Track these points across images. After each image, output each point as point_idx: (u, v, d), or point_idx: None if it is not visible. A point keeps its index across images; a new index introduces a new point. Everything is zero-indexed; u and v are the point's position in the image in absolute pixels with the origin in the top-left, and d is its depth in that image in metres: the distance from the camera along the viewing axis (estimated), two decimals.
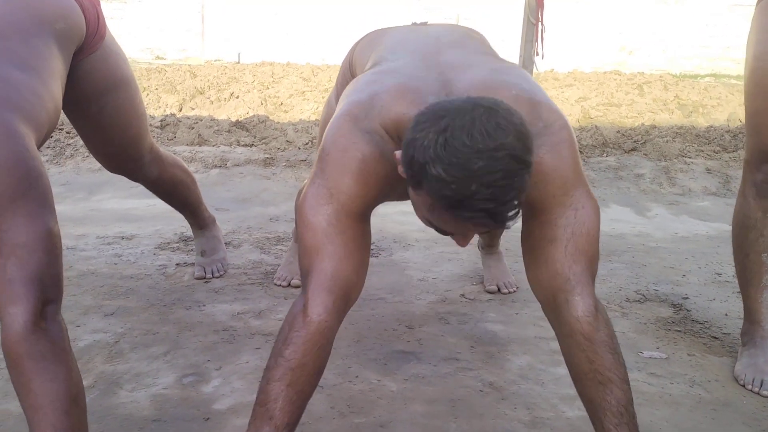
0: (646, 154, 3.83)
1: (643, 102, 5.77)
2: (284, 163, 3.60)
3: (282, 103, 5.25)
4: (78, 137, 3.43)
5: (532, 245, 1.19)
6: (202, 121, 4.21)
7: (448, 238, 1.17)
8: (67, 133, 3.77)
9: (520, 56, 2.82)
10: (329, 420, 1.45)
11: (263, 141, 3.89)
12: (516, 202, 0.97)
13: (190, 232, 2.56)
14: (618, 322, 1.97)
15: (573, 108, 5.38)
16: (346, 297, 1.16)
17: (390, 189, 1.20)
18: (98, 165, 3.56)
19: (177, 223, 2.72)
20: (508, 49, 6.56)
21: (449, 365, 1.70)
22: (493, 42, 1.65)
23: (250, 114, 4.61)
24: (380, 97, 1.17)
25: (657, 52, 11.15)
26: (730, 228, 2.91)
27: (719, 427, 1.47)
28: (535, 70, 3.59)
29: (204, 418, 1.44)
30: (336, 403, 1.51)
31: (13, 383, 1.10)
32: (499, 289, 2.16)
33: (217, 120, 4.31)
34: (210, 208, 2.36)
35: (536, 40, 2.87)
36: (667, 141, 3.95)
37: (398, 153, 1.05)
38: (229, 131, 4.04)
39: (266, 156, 3.65)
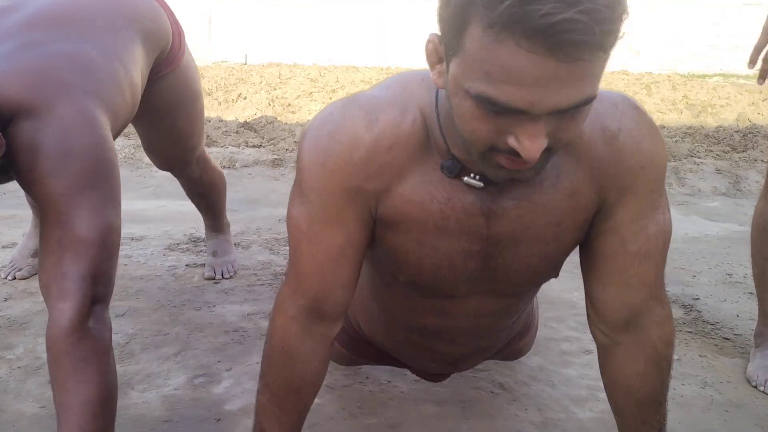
0: None
1: (652, 102, 5.76)
2: (292, 164, 3.60)
3: (290, 104, 5.27)
4: None
5: (615, 257, 0.98)
6: (210, 122, 4.22)
7: None
8: None
9: None
10: (340, 421, 1.45)
11: (271, 142, 3.90)
12: (612, 19, 0.70)
13: (199, 233, 2.57)
14: None
15: None
16: (319, 298, 1.01)
17: None
18: None
19: (186, 224, 2.73)
20: None
21: None
22: None
23: (258, 115, 4.62)
24: None
25: (665, 52, 11.12)
26: (740, 228, 2.92)
27: (732, 429, 1.46)
28: None
29: (215, 418, 1.44)
30: (347, 404, 1.51)
31: (50, 376, 1.10)
32: None
33: (226, 121, 4.33)
34: None
35: None
36: (676, 141, 3.94)
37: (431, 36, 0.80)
38: (237, 132, 4.05)
39: (275, 157, 3.66)
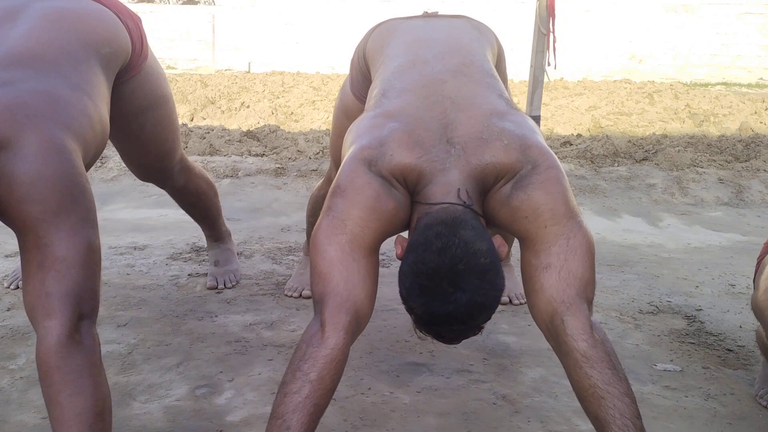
0: (657, 164, 3.81)
1: (654, 111, 5.76)
2: (295, 173, 3.61)
3: (292, 113, 5.28)
4: None
5: (530, 273, 1.24)
6: (213, 130, 4.24)
7: None
8: None
9: (531, 66, 2.82)
10: None
11: (274, 151, 3.91)
12: (484, 324, 1.17)
13: (201, 242, 2.57)
14: (631, 334, 1.96)
15: (583, 117, 5.38)
16: (358, 321, 1.20)
17: (398, 224, 1.27)
18: (111, 175, 3.60)
19: (189, 233, 2.74)
20: (519, 58, 6.56)
21: (462, 377, 1.69)
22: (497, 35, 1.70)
23: (261, 124, 4.63)
24: (388, 146, 1.26)
25: (667, 61, 11.13)
26: (743, 238, 2.92)
27: None
28: (546, 78, 3.59)
29: (217, 430, 1.44)
30: (349, 416, 1.50)
31: (43, 394, 1.12)
32: (510, 301, 2.15)
33: (229, 130, 4.34)
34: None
35: (548, 50, 2.87)
36: (678, 151, 3.93)
37: (398, 248, 1.23)
38: (240, 141, 4.06)
39: (277, 166, 3.67)
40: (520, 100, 5.93)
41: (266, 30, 11.36)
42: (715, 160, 3.89)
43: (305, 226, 2.33)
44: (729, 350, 1.88)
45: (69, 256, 1.14)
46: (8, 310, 2.00)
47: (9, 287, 2.14)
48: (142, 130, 1.75)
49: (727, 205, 3.45)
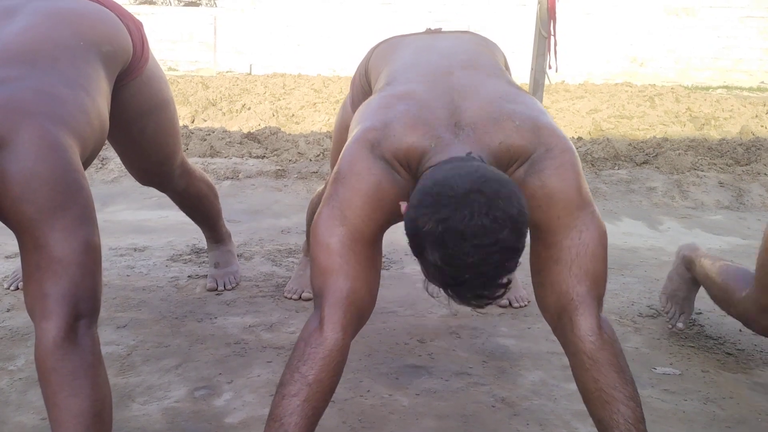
0: (658, 167, 3.81)
1: (655, 114, 5.76)
2: (296, 175, 3.61)
3: (293, 115, 5.28)
4: None
5: (539, 267, 1.21)
6: (214, 132, 4.24)
7: None
8: None
9: (532, 69, 2.82)
10: None
11: (275, 153, 3.91)
12: (505, 281, 1.06)
13: (201, 244, 2.57)
14: (631, 338, 1.96)
15: (584, 120, 5.38)
16: (360, 315, 1.18)
17: (400, 212, 1.21)
18: (111, 176, 3.60)
19: (189, 234, 2.74)
20: (520, 61, 6.56)
21: (461, 380, 1.69)
22: (504, 52, 1.67)
23: (262, 126, 4.64)
24: (393, 127, 1.20)
25: (668, 64, 11.11)
26: (743, 242, 2.91)
27: None
28: (546, 81, 3.59)
29: None
30: (348, 418, 1.50)
31: (42, 395, 1.12)
32: (510, 303, 2.15)
33: (229, 131, 4.34)
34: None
35: (548, 53, 2.87)
36: (679, 154, 3.93)
37: (403, 206, 1.11)
38: (240, 143, 4.06)
39: (278, 168, 3.67)
40: None
41: (267, 32, 11.37)
42: (715, 164, 3.89)
43: (305, 228, 2.33)
44: (728, 354, 1.88)
45: (65, 256, 1.14)
46: (8, 311, 2.00)
47: (9, 288, 2.14)
48: (143, 134, 1.75)
49: (728, 208, 3.44)
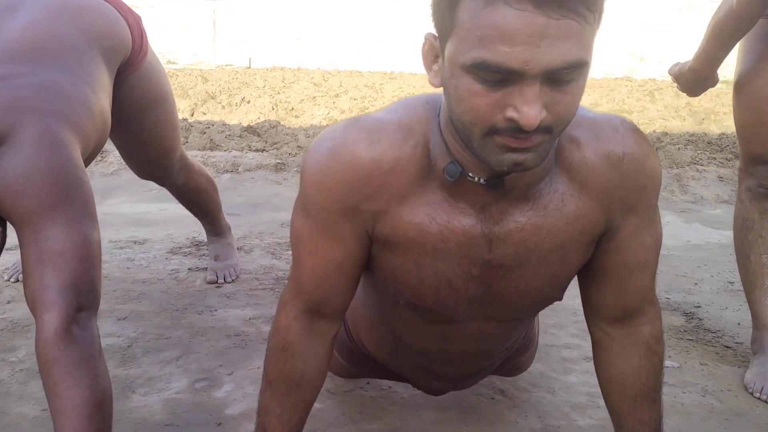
0: None
1: (655, 109, 5.77)
2: (295, 169, 3.61)
3: (293, 108, 5.28)
4: None
5: (616, 268, 1.03)
6: (213, 125, 4.24)
7: None
8: None
9: None
10: (341, 426, 1.45)
11: (274, 146, 3.91)
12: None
13: (201, 237, 2.57)
14: None
15: None
16: (318, 303, 1.04)
17: None
18: (111, 169, 3.61)
19: (189, 227, 2.74)
20: None
21: None
22: None
23: (262, 119, 4.63)
24: None
25: (669, 59, 11.11)
26: None
27: None
28: None
29: (216, 423, 1.45)
30: (347, 410, 1.51)
31: (43, 386, 1.13)
32: None
33: (229, 125, 4.34)
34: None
35: None
36: (678, 148, 3.94)
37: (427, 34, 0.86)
38: (240, 136, 4.06)
39: (277, 161, 3.67)
40: None
41: (267, 25, 11.35)
42: (715, 158, 3.90)
43: None
44: (727, 347, 1.89)
45: (66, 250, 1.15)
46: (8, 302, 2.00)
47: (9, 280, 2.14)
48: (142, 128, 1.76)
49: (727, 203, 3.45)
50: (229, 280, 2.22)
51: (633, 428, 1.09)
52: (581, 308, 1.13)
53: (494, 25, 0.73)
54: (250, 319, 1.96)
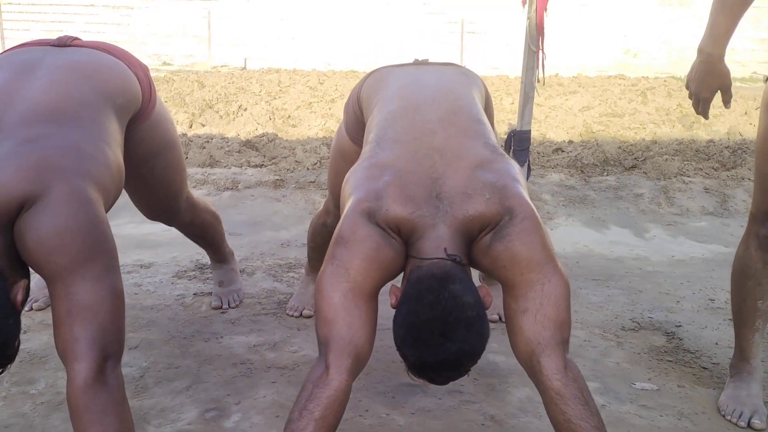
0: (645, 173, 3.92)
1: (646, 111, 5.86)
2: (294, 185, 3.71)
3: (290, 116, 5.37)
4: None
5: (509, 316, 1.36)
6: (212, 140, 4.33)
7: None
8: None
9: (522, 83, 2.92)
10: None
11: (273, 161, 4.01)
12: (470, 368, 1.29)
13: (205, 259, 2.68)
14: (613, 352, 2.08)
15: (576, 119, 5.48)
16: (359, 360, 1.32)
17: (396, 270, 1.38)
18: None
19: (192, 248, 2.83)
20: (513, 53, 6.57)
21: (453, 398, 1.81)
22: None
23: (259, 131, 4.73)
24: (384, 200, 1.36)
25: (662, 55, 11.20)
26: (725, 250, 3.03)
27: None
28: (540, 74, 3.67)
29: None
30: None
31: (74, 431, 1.25)
32: (500, 318, 2.27)
33: (228, 139, 4.43)
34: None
35: (537, 68, 2.97)
36: (666, 159, 4.04)
37: (393, 294, 1.34)
38: (239, 151, 4.16)
39: (276, 177, 3.77)
40: (514, 99, 6.02)
41: (262, 25, 11.39)
42: (701, 168, 4.00)
43: (305, 242, 2.43)
44: (704, 368, 2.00)
45: (95, 304, 1.27)
46: (24, 332, 2.10)
47: (23, 310, 2.24)
48: (151, 173, 1.86)
49: (712, 214, 3.56)
50: (233, 305, 2.33)
51: None
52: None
53: None
54: (254, 346, 2.06)
